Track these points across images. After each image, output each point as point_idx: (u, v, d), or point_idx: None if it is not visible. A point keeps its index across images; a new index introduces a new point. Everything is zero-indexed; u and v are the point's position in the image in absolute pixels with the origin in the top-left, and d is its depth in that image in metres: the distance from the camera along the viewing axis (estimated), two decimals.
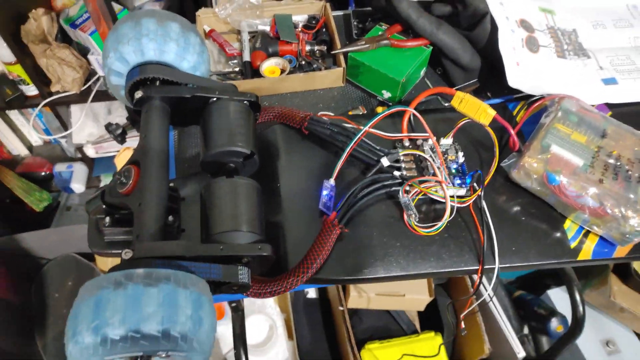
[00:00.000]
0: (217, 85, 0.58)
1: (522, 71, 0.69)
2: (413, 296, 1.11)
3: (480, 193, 0.58)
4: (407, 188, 0.58)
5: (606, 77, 0.72)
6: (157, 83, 0.55)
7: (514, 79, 0.68)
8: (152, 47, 0.54)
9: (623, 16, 0.80)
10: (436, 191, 0.58)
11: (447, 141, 0.63)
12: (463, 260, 0.57)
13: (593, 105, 0.70)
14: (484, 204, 0.59)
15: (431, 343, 1.14)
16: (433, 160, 0.59)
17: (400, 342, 1.15)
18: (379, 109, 0.72)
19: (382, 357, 1.14)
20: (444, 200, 0.58)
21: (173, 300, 0.38)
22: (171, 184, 0.57)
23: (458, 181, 0.60)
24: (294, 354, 1.17)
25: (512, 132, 0.60)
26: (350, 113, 0.71)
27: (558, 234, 0.60)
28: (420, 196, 0.59)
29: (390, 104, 0.73)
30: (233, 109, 0.56)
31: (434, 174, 0.58)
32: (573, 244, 0.59)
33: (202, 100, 0.56)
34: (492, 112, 0.59)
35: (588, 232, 0.60)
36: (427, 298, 1.12)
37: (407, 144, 0.63)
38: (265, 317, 1.23)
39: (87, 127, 1.61)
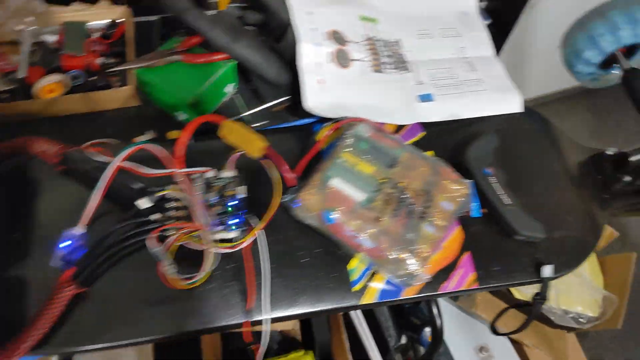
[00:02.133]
0: None
1: (327, 89, 0.63)
2: None
3: (252, 236, 0.51)
4: (166, 234, 0.50)
5: (423, 93, 0.67)
6: None
7: (311, 100, 0.61)
8: None
9: (451, 24, 0.75)
10: (199, 237, 0.51)
11: (227, 174, 0.56)
12: (229, 314, 0.50)
13: (404, 127, 0.65)
14: (263, 247, 0.53)
15: None
16: (190, 200, 0.52)
17: None
18: (173, 134, 0.64)
19: None
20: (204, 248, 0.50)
21: None
22: None
23: (235, 221, 0.53)
24: None
25: (283, 167, 0.53)
26: (133, 140, 0.62)
27: (341, 276, 0.54)
28: (180, 242, 0.51)
29: None
30: None
31: (193, 218, 0.51)
32: (357, 286, 0.54)
33: None
34: (262, 144, 0.52)
35: (375, 272, 0.54)
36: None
37: (179, 180, 0.55)
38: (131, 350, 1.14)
39: None
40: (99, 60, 0.68)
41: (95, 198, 0.51)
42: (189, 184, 0.52)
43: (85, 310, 0.48)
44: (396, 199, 0.53)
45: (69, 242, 0.49)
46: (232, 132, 0.52)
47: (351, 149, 0.56)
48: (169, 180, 0.54)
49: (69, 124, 0.65)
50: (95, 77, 0.67)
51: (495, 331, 0.68)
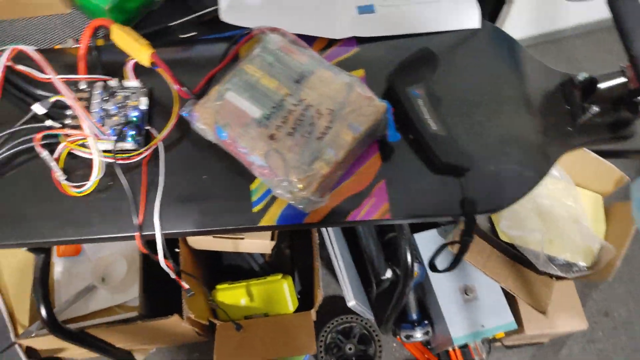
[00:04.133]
0: None
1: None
2: (253, 240, 1.06)
3: (152, 147, 0.50)
4: (55, 141, 0.50)
5: (363, 4, 0.60)
6: None
7: (229, 10, 0.56)
8: None
9: None
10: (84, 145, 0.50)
11: (131, 84, 0.53)
12: (117, 225, 0.50)
13: (337, 41, 0.59)
14: (161, 160, 0.51)
15: (278, 285, 1.11)
16: (78, 108, 0.50)
17: (249, 284, 1.12)
18: (100, 42, 0.62)
19: (229, 299, 1.11)
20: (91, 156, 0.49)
21: None
22: None
23: (132, 132, 0.51)
24: (138, 292, 1.15)
25: (172, 78, 0.50)
26: (55, 47, 0.60)
27: (242, 195, 0.51)
28: (68, 149, 0.50)
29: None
30: None
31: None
32: (256, 207, 0.51)
33: None
34: (148, 52, 0.48)
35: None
36: (269, 242, 1.07)
37: (83, 86, 0.53)
38: (123, 255, 1.20)
39: None
40: None
41: None
42: (68, 91, 0.49)
43: None
44: (296, 117, 0.48)
45: None
46: (120, 38, 0.49)
47: (256, 61, 0.51)
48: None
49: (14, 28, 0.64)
50: None
51: (433, 268, 0.64)
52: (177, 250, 1.07)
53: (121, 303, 1.17)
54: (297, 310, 1.10)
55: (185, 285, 0.61)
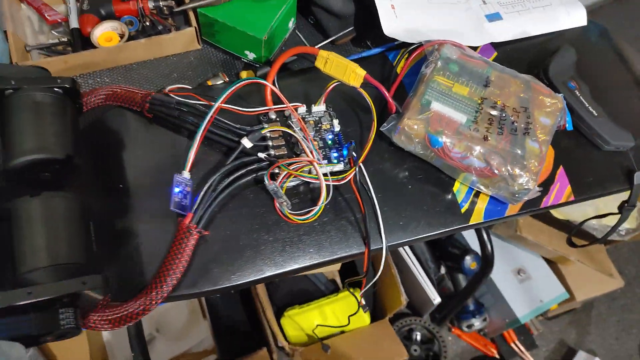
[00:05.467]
0: (14, 72, 0.45)
1: (398, 15, 0.61)
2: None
3: (357, 166, 0.51)
4: (276, 171, 0.50)
5: (490, 13, 0.65)
6: None
7: (388, 26, 0.59)
8: None
9: None
10: (309, 172, 0.50)
11: (319, 108, 0.54)
12: (347, 244, 0.51)
13: (477, 48, 0.64)
14: (366, 177, 0.52)
15: (351, 300, 1.12)
16: (301, 136, 0.50)
17: (320, 304, 1.11)
18: (244, 74, 0.62)
19: (302, 322, 1.10)
20: (318, 182, 0.50)
21: None
22: None
23: (335, 154, 0.52)
24: (210, 333, 1.10)
25: (386, 93, 0.52)
26: (209, 83, 0.60)
27: (448, 199, 0.54)
28: (292, 178, 0.51)
29: (258, 65, 0.63)
30: (38, 102, 0.44)
31: (304, 152, 0.50)
32: (464, 208, 0.54)
33: None
34: (362, 73, 0.51)
35: (478, 192, 0.55)
36: None
37: (273, 117, 0.54)
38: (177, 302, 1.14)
39: None
40: (151, 4, 0.64)
41: (197, 141, 0.49)
42: (300, 119, 0.50)
43: (207, 252, 0.48)
44: (498, 118, 0.53)
45: (180, 188, 0.48)
46: (328, 62, 0.51)
47: (442, 71, 0.55)
48: (259, 120, 0.53)
49: (131, 73, 0.62)
50: (147, 23, 0.64)
51: (572, 244, 0.70)
52: None
53: (186, 350, 1.12)
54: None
55: (362, 301, 0.62)
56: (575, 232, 1.01)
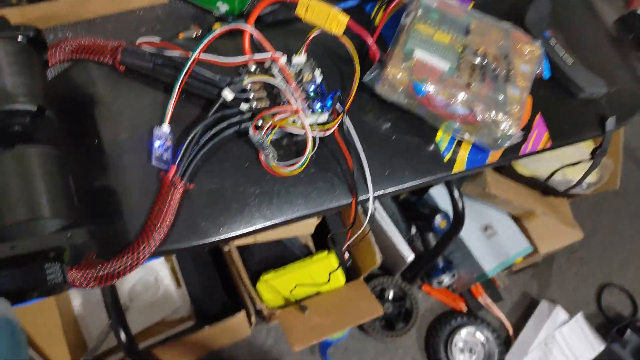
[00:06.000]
0: None
1: None
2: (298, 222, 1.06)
3: (343, 117, 0.50)
4: (259, 123, 0.48)
5: None
6: None
7: None
8: None
9: None
10: (293, 122, 0.49)
11: (300, 59, 0.53)
12: (334, 195, 0.50)
13: None
14: (350, 128, 0.52)
15: (326, 262, 1.12)
16: (283, 85, 0.49)
17: (296, 267, 1.12)
18: (217, 26, 0.59)
19: (278, 286, 1.11)
20: (303, 132, 0.49)
21: None
22: None
23: (318, 104, 0.52)
24: (185, 301, 1.09)
25: (371, 40, 0.51)
26: (180, 36, 0.57)
27: (431, 148, 0.55)
28: (276, 130, 0.49)
29: (230, 18, 0.60)
30: (3, 52, 0.40)
31: (287, 102, 0.49)
32: (447, 156, 0.55)
33: None
34: (345, 19, 0.49)
35: (460, 142, 0.55)
36: (314, 221, 1.08)
37: (253, 68, 0.52)
38: (146, 271, 1.12)
39: None
40: None
41: (176, 93, 0.47)
42: (284, 67, 0.49)
43: (193, 207, 0.46)
44: (480, 65, 0.53)
45: (160, 142, 0.46)
46: (309, 9, 0.49)
47: (423, 20, 0.54)
48: (238, 71, 0.51)
49: (97, 27, 0.58)
50: None
51: (546, 192, 0.72)
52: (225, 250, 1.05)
53: (161, 319, 1.11)
54: None
55: (346, 255, 0.62)
56: (545, 183, 1.05)
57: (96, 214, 0.45)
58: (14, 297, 0.34)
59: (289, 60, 0.53)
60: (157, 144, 0.46)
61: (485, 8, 0.62)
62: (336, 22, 0.49)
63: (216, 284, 1.15)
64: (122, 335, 0.80)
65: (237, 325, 1.05)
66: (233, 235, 0.46)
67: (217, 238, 0.46)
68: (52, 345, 0.97)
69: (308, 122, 0.49)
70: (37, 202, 0.37)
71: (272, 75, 0.51)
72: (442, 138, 0.55)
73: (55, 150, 0.40)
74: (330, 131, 0.51)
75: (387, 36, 0.58)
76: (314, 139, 0.49)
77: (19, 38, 0.41)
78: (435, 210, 1.23)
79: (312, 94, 0.52)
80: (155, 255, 0.43)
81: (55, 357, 0.97)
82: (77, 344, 1.01)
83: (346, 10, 0.60)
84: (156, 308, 1.10)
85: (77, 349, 1.00)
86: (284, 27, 0.58)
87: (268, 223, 0.48)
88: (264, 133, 0.48)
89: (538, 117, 0.58)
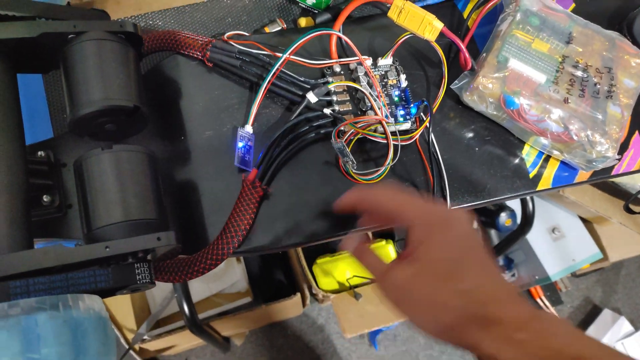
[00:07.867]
0: (73, 14, 0.43)
1: None
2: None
3: (427, 126, 0.48)
4: (343, 128, 0.47)
5: None
6: None
7: None
8: None
9: None
10: (375, 130, 0.48)
11: (386, 61, 0.51)
12: None
13: None
14: (432, 138, 0.50)
15: (384, 251, 1.12)
16: (369, 92, 0.48)
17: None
18: (302, 21, 0.58)
19: (332, 271, 1.12)
20: (384, 140, 0.48)
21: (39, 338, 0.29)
22: (40, 152, 0.44)
23: (401, 112, 0.50)
24: (244, 276, 1.13)
25: (463, 47, 0.49)
26: (266, 30, 0.56)
27: (515, 163, 0.52)
28: (358, 136, 0.48)
29: (316, 11, 0.59)
30: (102, 48, 0.41)
31: (371, 108, 0.48)
32: (532, 173, 0.52)
33: (55, 38, 0.41)
34: (439, 26, 0.47)
35: (549, 157, 0.52)
36: None
37: (338, 69, 0.51)
38: None
39: None
40: None
41: (261, 94, 0.47)
42: (371, 72, 0.47)
43: (271, 209, 0.47)
44: (579, 78, 0.49)
45: (244, 143, 0.46)
46: (403, 12, 0.47)
47: (521, 25, 0.51)
48: (322, 73, 0.50)
49: (184, 16, 0.59)
50: None
51: (629, 210, 0.68)
52: None
53: (218, 292, 1.15)
54: None
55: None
56: (633, 199, 0.99)
57: (178, 209, 0.46)
58: (104, 294, 0.36)
59: (374, 63, 0.51)
60: (240, 144, 0.46)
61: (586, 11, 0.57)
62: (430, 27, 0.47)
63: (274, 263, 1.18)
64: (186, 309, 0.84)
65: (292, 306, 1.07)
66: (307, 241, 0.47)
67: (293, 242, 0.46)
68: (119, 308, 1.04)
69: (391, 130, 0.48)
70: (132, 204, 0.38)
71: (357, 78, 0.49)
72: (528, 152, 0.52)
73: (148, 149, 0.41)
74: (412, 141, 0.49)
75: (480, 38, 0.55)
76: (395, 148, 0.48)
77: (119, 34, 0.42)
78: (502, 207, 1.19)
79: (396, 99, 0.51)
80: (233, 255, 0.44)
81: (122, 320, 1.03)
82: (141, 308, 1.07)
83: (437, 5, 0.58)
84: (216, 280, 1.15)
85: (141, 313, 1.06)
86: (370, 23, 0.56)
87: (342, 232, 0.47)
88: (346, 140, 0.47)
89: (636, 135, 0.54)
